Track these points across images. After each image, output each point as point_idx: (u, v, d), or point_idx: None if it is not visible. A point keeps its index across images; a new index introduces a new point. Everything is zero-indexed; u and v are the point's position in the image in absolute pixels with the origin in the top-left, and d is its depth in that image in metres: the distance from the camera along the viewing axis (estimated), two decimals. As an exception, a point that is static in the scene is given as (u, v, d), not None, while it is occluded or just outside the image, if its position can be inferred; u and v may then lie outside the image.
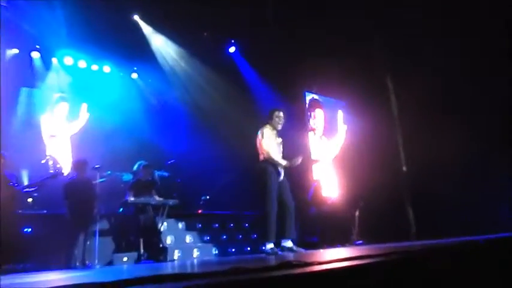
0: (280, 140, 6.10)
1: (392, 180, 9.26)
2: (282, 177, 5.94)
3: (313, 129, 10.38)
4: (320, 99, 10.78)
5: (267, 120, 6.10)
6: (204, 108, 10.20)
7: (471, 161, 8.14)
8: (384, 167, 9.27)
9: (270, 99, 9.79)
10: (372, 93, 9.71)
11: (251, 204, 8.80)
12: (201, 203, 9.82)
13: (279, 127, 6.08)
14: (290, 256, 4.81)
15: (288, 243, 5.77)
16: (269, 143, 5.88)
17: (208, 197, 9.84)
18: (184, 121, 10.52)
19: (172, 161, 9.68)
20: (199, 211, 9.44)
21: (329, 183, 10.11)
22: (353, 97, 10.39)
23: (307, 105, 10.45)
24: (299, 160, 5.94)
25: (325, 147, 10.43)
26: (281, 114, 6.11)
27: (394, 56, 9.24)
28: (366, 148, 9.85)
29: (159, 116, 10.59)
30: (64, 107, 9.26)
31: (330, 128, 10.74)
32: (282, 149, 6.07)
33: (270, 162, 5.86)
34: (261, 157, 5.89)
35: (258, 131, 6.05)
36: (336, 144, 10.50)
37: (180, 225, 8.60)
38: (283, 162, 5.92)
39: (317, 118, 10.60)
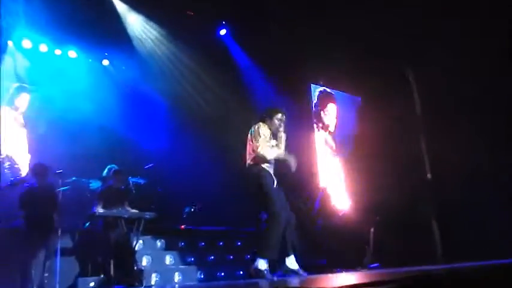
0: (274, 142, 6.09)
1: (414, 190, 9.26)
2: (275, 185, 5.92)
3: (325, 127, 10.44)
4: (333, 93, 10.85)
5: (264, 118, 6.12)
6: (189, 101, 10.16)
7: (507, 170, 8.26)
8: (404, 174, 9.31)
9: (268, 92, 9.84)
10: (392, 88, 9.70)
11: (246, 218, 8.84)
12: (185, 216, 9.78)
13: (279, 130, 6.11)
14: (294, 282, 4.70)
15: (292, 262, 5.74)
16: (265, 145, 5.87)
17: (193, 209, 9.82)
18: (165, 117, 10.48)
19: (150, 165, 9.63)
20: (182, 226, 9.44)
21: (339, 191, 10.09)
22: (369, 92, 10.40)
23: (315, 99, 10.48)
24: (292, 164, 5.89)
25: (336, 148, 10.49)
26: (283, 117, 6.14)
27: (415, 47, 9.44)
28: (383, 151, 9.85)
29: (135, 110, 10.50)
30: (24, 98, 9.27)
31: (342, 126, 10.75)
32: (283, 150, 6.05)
33: (263, 167, 5.84)
34: (250, 161, 5.87)
35: (251, 128, 6.05)
36: (348, 145, 10.56)
37: (159, 243, 8.63)
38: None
39: (329, 114, 10.65)
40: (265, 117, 6.10)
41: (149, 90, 10.66)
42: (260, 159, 5.76)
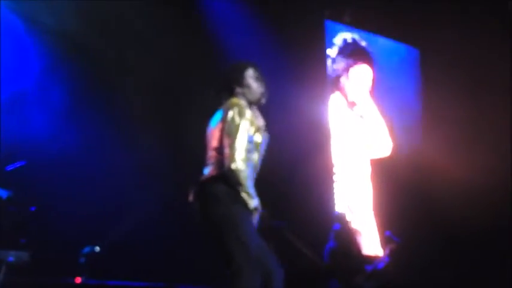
0: (258, 137, 4.55)
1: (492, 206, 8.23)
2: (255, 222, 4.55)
3: (351, 103, 8.67)
4: (367, 46, 8.89)
5: (235, 88, 4.59)
6: (101, 49, 7.72)
7: None
8: (480, 179, 8.23)
9: (246, 34, 7.95)
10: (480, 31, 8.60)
11: (193, 268, 7.37)
12: (83, 261, 7.37)
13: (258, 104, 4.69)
14: None
15: None
16: (243, 153, 4.38)
17: (98, 250, 7.48)
18: (52, 79, 7.87)
19: (19, 165, 7.30)
20: (78, 279, 7.19)
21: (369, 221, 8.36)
22: (436, 42, 9.06)
23: (334, 51, 8.56)
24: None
25: (367, 137, 8.73)
26: (257, 74, 4.67)
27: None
28: (450, 141, 8.66)
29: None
30: None
31: (381, 100, 9.02)
32: (262, 152, 4.64)
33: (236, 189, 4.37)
34: (213, 172, 4.44)
35: (220, 110, 4.51)
36: (407, 135, 9.04)
37: (36, 306, 7.18)
38: (253, 202, 4.43)
39: (359, 79, 8.71)
40: (236, 85, 4.59)
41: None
42: (232, 178, 4.32)
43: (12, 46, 7.93)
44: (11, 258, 6.30)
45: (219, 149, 4.36)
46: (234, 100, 4.38)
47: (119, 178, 7.72)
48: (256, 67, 4.59)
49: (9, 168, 7.20)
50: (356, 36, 8.85)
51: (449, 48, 9.07)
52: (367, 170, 8.72)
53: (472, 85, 9.10)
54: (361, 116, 8.82)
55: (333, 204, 8.16)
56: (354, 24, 8.90)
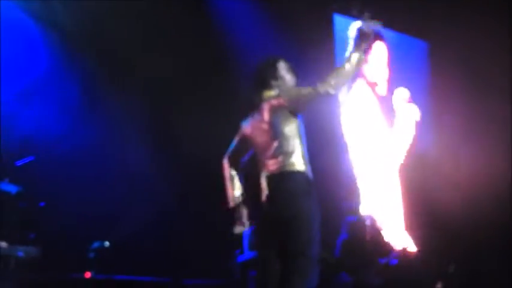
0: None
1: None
2: None
3: (372, 84, 8.77)
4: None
5: (270, 81, 4.68)
6: (114, 55, 7.82)
7: None
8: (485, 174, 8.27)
9: (254, 30, 8.08)
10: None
11: (197, 262, 7.52)
12: (92, 256, 7.43)
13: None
14: None
15: None
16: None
17: (108, 245, 7.57)
18: (65, 78, 7.93)
19: (27, 160, 7.39)
20: (87, 274, 7.23)
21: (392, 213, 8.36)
22: (445, 35, 9.14)
23: (353, 42, 8.97)
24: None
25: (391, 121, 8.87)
26: (288, 65, 4.81)
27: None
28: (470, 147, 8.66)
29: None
30: None
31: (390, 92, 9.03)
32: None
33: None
34: (284, 167, 4.46)
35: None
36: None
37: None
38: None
39: (376, 59, 8.84)
40: (271, 78, 4.68)
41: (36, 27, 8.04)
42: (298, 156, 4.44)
43: (21, 44, 8.00)
44: (21, 254, 6.38)
45: (277, 143, 4.39)
46: (270, 92, 4.51)
47: (128, 175, 7.88)
48: (285, 59, 4.74)
49: (19, 163, 7.26)
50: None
51: (457, 43, 9.06)
52: (391, 166, 8.71)
53: (479, 80, 9.03)
54: (383, 95, 8.85)
55: (347, 197, 8.16)
56: (362, 17, 8.95)
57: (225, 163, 4.71)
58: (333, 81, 4.25)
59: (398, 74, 9.34)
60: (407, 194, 8.87)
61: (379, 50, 9.10)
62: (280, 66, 4.64)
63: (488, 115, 9.05)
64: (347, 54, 4.81)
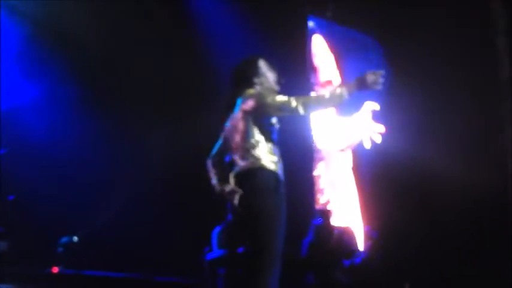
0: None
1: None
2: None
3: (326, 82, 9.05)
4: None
5: (252, 79, 4.70)
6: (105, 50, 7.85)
7: None
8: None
9: (230, 30, 8.18)
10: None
11: (167, 259, 7.41)
12: (61, 251, 7.53)
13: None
14: None
15: None
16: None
17: (76, 239, 7.65)
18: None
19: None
20: (55, 269, 7.36)
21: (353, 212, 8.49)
22: (396, 31, 9.08)
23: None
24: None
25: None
26: (268, 63, 4.82)
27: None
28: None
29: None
30: None
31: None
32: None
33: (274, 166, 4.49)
34: (251, 164, 4.47)
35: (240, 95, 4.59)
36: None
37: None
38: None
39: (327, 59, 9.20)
40: (254, 76, 4.70)
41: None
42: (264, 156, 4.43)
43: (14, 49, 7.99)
44: (-11, 248, 6.33)
45: (246, 140, 4.45)
46: (250, 90, 4.53)
47: (97, 172, 7.86)
48: (265, 58, 4.78)
49: (-13, 156, 7.35)
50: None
51: (412, 42, 8.99)
52: (349, 164, 8.82)
53: (443, 79, 8.87)
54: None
55: (314, 199, 8.23)
56: (335, 19, 9.09)
57: (209, 164, 4.75)
58: (308, 104, 4.34)
59: (353, 70, 9.15)
60: (365, 191, 8.96)
61: (327, 49, 9.37)
62: (261, 64, 4.69)
63: (444, 110, 8.92)
64: (338, 87, 5.03)
